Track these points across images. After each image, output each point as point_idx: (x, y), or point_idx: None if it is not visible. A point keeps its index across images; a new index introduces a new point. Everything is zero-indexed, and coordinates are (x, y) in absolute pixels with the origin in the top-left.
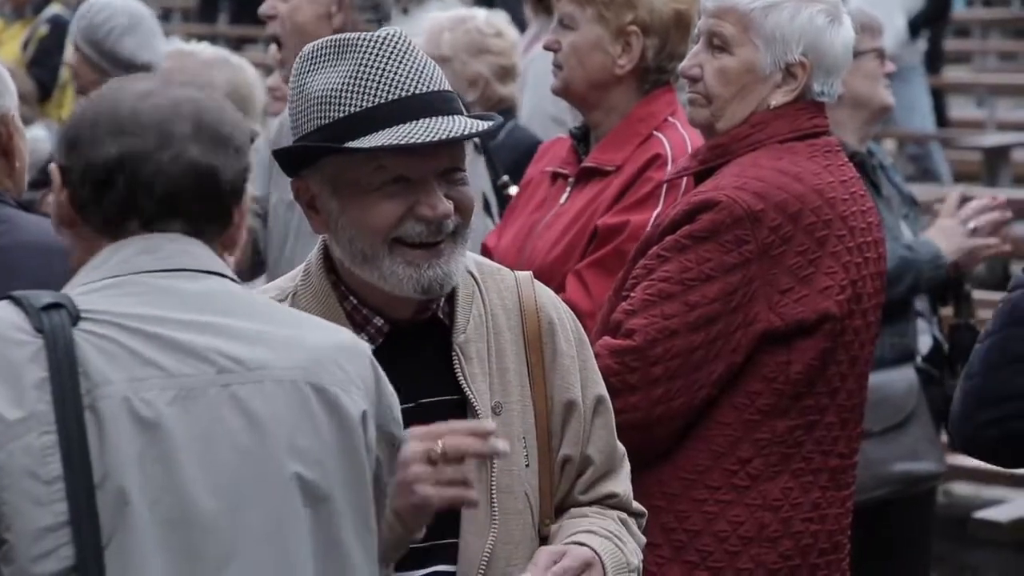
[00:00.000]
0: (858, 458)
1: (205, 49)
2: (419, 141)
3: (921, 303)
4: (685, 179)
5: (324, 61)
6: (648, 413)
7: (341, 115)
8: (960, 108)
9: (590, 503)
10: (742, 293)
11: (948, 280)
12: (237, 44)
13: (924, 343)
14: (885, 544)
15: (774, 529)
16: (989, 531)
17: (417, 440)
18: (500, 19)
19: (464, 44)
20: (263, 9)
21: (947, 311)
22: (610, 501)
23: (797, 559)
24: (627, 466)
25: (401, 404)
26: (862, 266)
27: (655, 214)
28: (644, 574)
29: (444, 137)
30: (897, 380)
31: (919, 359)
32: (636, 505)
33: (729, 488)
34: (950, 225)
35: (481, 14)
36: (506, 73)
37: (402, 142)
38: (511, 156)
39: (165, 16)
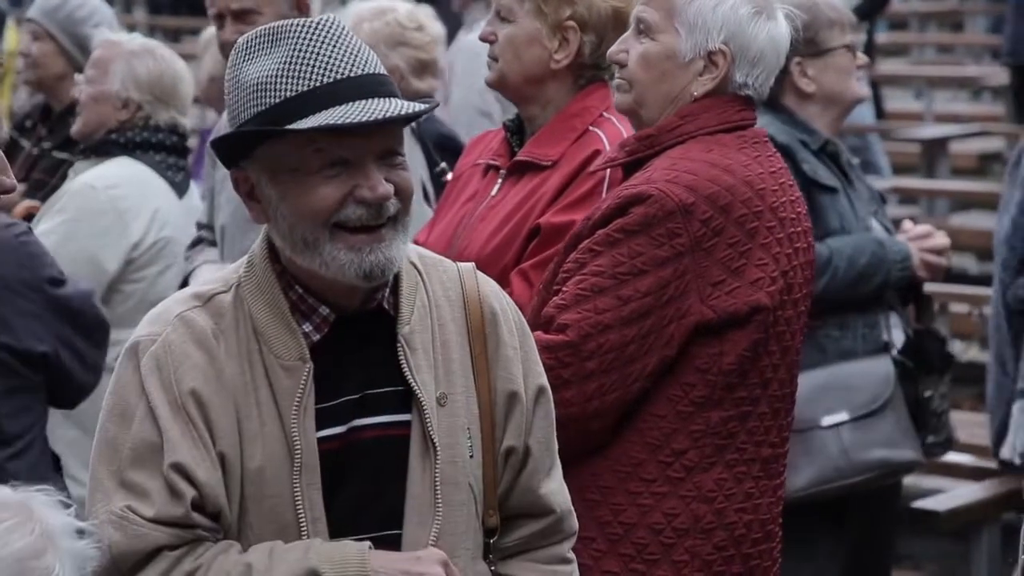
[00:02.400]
0: (788, 447)
1: (133, 39)
2: (355, 121)
3: (892, 297)
4: (622, 174)
5: (258, 50)
6: (582, 408)
7: (276, 100)
8: (898, 100)
9: (529, 512)
10: (674, 286)
11: (908, 282)
12: (175, 35)
13: (897, 336)
14: (853, 539)
15: (708, 520)
16: (927, 520)
17: (442, 566)
18: (423, 13)
19: (384, 35)
20: (224, 37)
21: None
22: (549, 518)
23: (731, 549)
24: (558, 463)
25: (348, 395)
26: (792, 256)
27: None
28: (580, 568)
29: (380, 117)
30: (873, 368)
31: (895, 351)
32: (565, 505)
33: (664, 480)
34: (934, 245)
35: (403, 7)
36: (424, 67)
37: (338, 122)
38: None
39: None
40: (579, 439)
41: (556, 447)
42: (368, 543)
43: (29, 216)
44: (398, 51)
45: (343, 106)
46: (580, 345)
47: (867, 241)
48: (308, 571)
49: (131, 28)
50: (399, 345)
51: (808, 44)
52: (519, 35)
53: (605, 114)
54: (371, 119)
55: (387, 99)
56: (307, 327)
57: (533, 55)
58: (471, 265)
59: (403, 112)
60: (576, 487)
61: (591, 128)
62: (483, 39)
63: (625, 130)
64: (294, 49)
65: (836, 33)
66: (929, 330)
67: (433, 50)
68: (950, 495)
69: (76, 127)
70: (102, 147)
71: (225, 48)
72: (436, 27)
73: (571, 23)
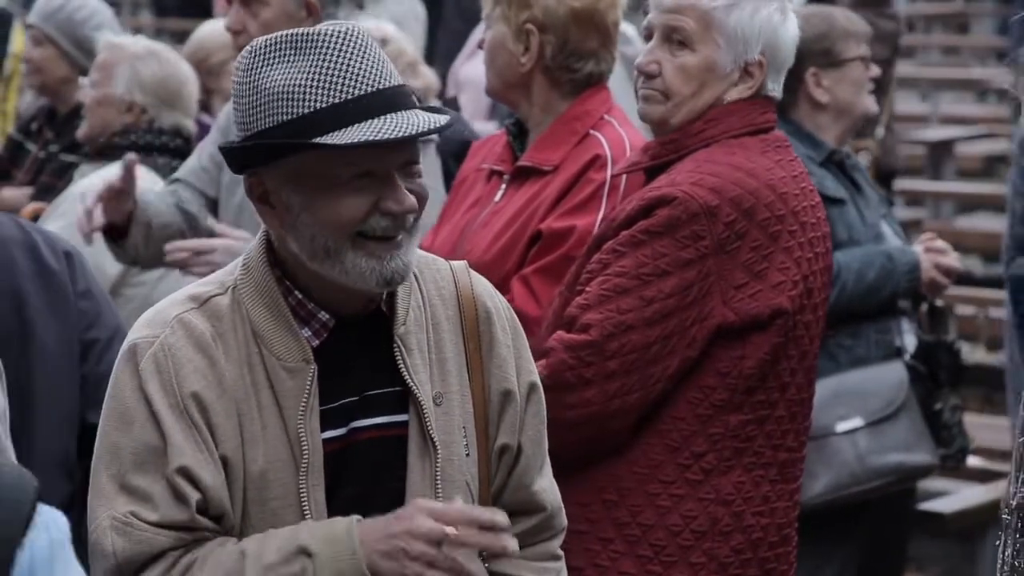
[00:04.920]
0: (806, 451)
1: (137, 42)
2: (396, 136)
3: (903, 301)
4: (625, 178)
5: (279, 56)
6: (603, 408)
7: (307, 110)
8: (904, 102)
9: (521, 510)
10: (697, 288)
11: (917, 293)
12: (181, 38)
13: (909, 341)
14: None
15: (726, 523)
16: (932, 523)
17: (428, 516)
18: (384, 27)
19: None
20: (229, 23)
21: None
22: (539, 516)
23: (748, 553)
24: (548, 460)
25: (346, 397)
26: (813, 261)
27: (599, 217)
28: (598, 568)
29: (415, 132)
30: (886, 374)
31: (907, 356)
32: (556, 502)
33: (682, 482)
34: (942, 266)
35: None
36: (411, 68)
37: (380, 138)
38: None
39: (113, 8)
40: (599, 439)
41: (546, 444)
42: (356, 517)
43: (35, 218)
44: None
45: (376, 120)
46: (603, 345)
47: (876, 254)
48: (298, 548)
49: (137, 30)
50: (396, 346)
51: (824, 55)
52: (493, 41)
53: (606, 117)
54: (408, 134)
55: (412, 112)
56: (306, 332)
57: (503, 60)
58: (463, 263)
59: (433, 126)
60: (595, 487)
61: (591, 132)
62: (479, 47)
63: (627, 133)
64: (323, 59)
65: (851, 44)
66: (941, 341)
67: (408, 51)
68: (956, 497)
69: (82, 131)
70: (106, 150)
71: (236, 37)
72: (391, 28)
73: (530, 26)
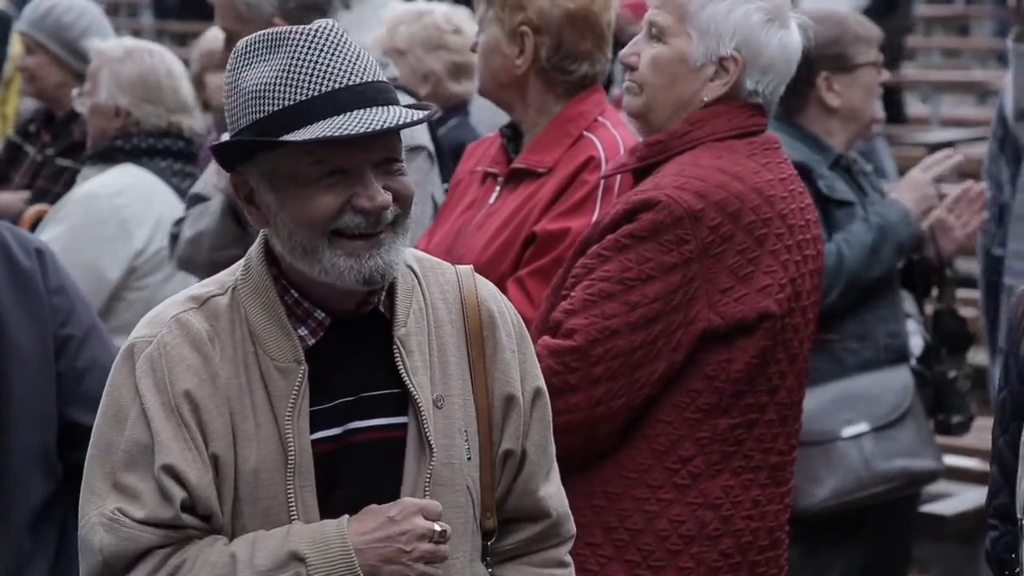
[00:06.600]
0: (797, 454)
1: (117, 45)
2: (352, 132)
3: (910, 305)
4: (619, 179)
5: (257, 55)
6: (589, 413)
7: (275, 108)
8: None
9: (527, 516)
10: (683, 292)
11: (930, 268)
12: (181, 40)
13: (915, 344)
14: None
15: (715, 527)
16: (934, 525)
17: (419, 514)
18: (460, 15)
19: (420, 39)
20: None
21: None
22: (545, 522)
23: (737, 556)
24: (556, 466)
25: (343, 397)
26: (801, 264)
27: (593, 218)
28: (586, 573)
29: (378, 128)
30: (892, 379)
31: (913, 361)
32: (563, 508)
33: (670, 487)
34: (919, 177)
35: (440, 9)
36: (460, 71)
37: (335, 134)
38: (450, 154)
39: (113, 10)
40: (586, 444)
41: (553, 450)
42: (346, 516)
43: (37, 221)
44: (436, 54)
45: (341, 116)
46: (588, 350)
47: (860, 222)
48: (290, 554)
49: (137, 33)
50: (395, 348)
51: (837, 59)
52: (486, 43)
53: (600, 118)
54: (367, 131)
55: (385, 108)
56: (303, 331)
57: (497, 62)
58: (469, 267)
59: (400, 122)
60: (583, 492)
61: (585, 133)
62: (471, 50)
63: (620, 134)
64: (292, 57)
65: (863, 49)
66: (950, 309)
67: (470, 53)
68: (957, 499)
69: (88, 144)
70: (108, 153)
71: None
72: (473, 29)
73: (524, 28)
